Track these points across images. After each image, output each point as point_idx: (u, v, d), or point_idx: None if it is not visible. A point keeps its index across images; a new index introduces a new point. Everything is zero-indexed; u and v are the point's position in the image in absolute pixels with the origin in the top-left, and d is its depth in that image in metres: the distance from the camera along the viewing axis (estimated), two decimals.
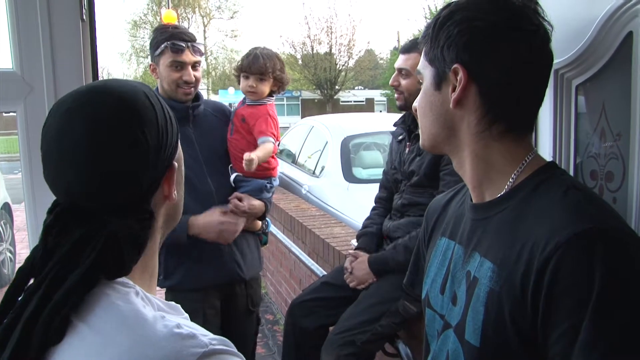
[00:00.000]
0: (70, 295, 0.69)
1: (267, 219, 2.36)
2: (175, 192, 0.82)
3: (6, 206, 5.82)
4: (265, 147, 2.13)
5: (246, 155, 2.02)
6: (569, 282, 0.79)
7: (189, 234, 2.05)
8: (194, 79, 2.08)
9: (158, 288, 2.01)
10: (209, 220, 2.08)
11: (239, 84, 2.28)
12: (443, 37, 0.94)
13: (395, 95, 2.30)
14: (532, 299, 0.83)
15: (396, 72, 2.28)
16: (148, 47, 2.23)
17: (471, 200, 1.02)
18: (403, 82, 2.24)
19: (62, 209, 0.75)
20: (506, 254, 0.88)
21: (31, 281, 0.73)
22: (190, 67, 2.06)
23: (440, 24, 0.95)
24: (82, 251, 0.71)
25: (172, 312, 0.78)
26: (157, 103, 0.79)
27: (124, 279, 0.75)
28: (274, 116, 2.22)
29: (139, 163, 0.74)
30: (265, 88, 2.20)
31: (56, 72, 1.26)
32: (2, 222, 5.59)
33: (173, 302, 0.84)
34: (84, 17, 1.29)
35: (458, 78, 0.92)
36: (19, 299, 0.71)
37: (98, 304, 0.71)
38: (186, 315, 0.83)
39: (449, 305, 1.02)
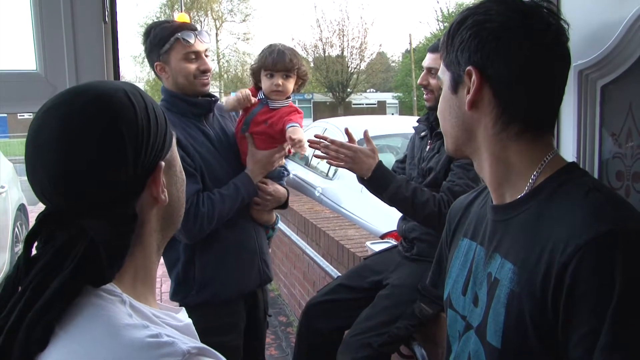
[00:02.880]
0: (51, 303, 0.68)
1: (276, 214, 2.31)
2: (166, 194, 0.79)
3: (22, 207, 5.89)
4: (298, 129, 2.01)
5: (295, 137, 1.92)
6: (589, 285, 0.79)
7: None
8: (210, 67, 2.02)
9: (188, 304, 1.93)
10: (262, 154, 2.06)
11: (255, 84, 2.12)
12: (457, 42, 0.96)
13: (425, 95, 2.26)
14: (553, 301, 0.83)
15: (425, 71, 2.24)
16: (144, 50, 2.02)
17: (492, 201, 1.02)
18: (432, 81, 2.19)
19: (45, 214, 0.73)
20: (527, 256, 0.88)
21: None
22: (203, 55, 1.99)
23: (454, 30, 0.97)
24: (65, 258, 0.70)
25: (164, 319, 0.76)
26: (140, 102, 0.76)
27: (111, 287, 0.73)
28: (300, 110, 2.12)
29: (112, 162, 0.71)
30: (291, 86, 2.07)
31: (79, 73, 1.27)
32: (18, 224, 5.65)
33: (171, 310, 0.82)
34: (106, 19, 1.30)
35: (472, 80, 0.94)
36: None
37: (81, 313, 0.69)
38: (187, 321, 0.81)
39: (470, 307, 1.02)
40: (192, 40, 1.93)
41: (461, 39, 0.95)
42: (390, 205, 2.18)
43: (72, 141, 0.70)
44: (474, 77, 0.93)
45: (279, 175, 2.19)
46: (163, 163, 0.79)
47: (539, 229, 0.89)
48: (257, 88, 2.13)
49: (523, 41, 0.91)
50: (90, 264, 0.70)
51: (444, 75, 1.02)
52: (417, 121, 2.45)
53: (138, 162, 0.74)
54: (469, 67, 0.94)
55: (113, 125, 0.72)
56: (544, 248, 0.85)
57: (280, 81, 2.03)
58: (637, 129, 1.09)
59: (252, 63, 2.17)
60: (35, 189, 0.73)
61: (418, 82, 2.30)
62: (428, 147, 2.29)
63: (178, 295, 2.01)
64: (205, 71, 1.99)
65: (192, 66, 1.96)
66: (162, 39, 1.93)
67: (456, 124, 1.00)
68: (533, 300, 0.85)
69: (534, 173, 0.94)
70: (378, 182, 2.08)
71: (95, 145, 0.71)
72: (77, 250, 0.70)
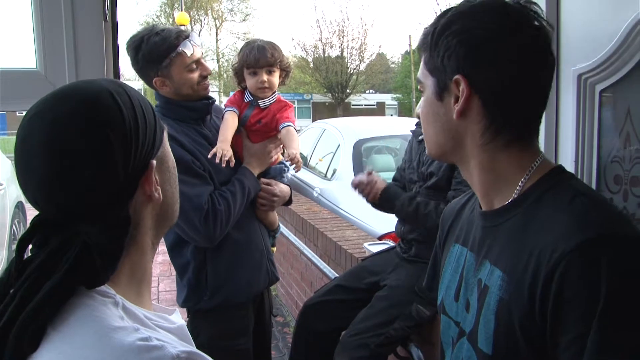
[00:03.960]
0: (43, 305, 0.68)
1: (279, 223, 2.30)
2: (160, 191, 0.79)
3: (20, 205, 5.88)
4: (292, 133, 2.02)
5: (291, 155, 1.92)
6: (575, 291, 0.79)
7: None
8: (210, 69, 1.99)
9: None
10: (257, 147, 2.06)
11: (239, 84, 2.10)
12: (442, 47, 0.92)
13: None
14: (540, 308, 0.82)
15: None
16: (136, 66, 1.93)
17: (480, 207, 1.01)
18: None
19: (39, 219, 0.73)
20: (515, 263, 0.88)
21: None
22: (202, 60, 1.96)
23: (438, 33, 0.93)
24: (59, 261, 0.70)
25: (156, 321, 0.76)
26: (127, 102, 0.75)
27: (104, 288, 0.73)
28: (289, 103, 2.09)
29: (101, 168, 0.71)
30: (276, 80, 2.04)
31: (79, 71, 1.27)
32: (15, 221, 5.65)
33: (164, 311, 0.82)
34: (107, 17, 1.30)
35: (460, 89, 0.91)
36: None
37: (74, 314, 0.69)
38: (181, 323, 0.81)
39: (463, 313, 1.01)
40: (191, 51, 1.89)
41: (447, 45, 0.91)
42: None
43: (58, 149, 0.69)
44: (462, 86, 0.90)
45: (280, 172, 2.17)
46: (155, 162, 0.78)
47: (526, 235, 0.88)
48: (242, 89, 2.11)
49: (513, 50, 0.89)
50: (83, 267, 0.70)
51: (427, 80, 0.98)
52: (416, 125, 2.45)
53: (128, 165, 0.73)
54: (457, 76, 0.90)
55: (99, 130, 0.71)
56: (531, 254, 0.85)
57: (264, 77, 2.00)
58: (635, 133, 1.09)
59: (233, 64, 2.14)
60: (27, 194, 0.73)
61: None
62: (427, 150, 2.28)
63: (190, 301, 1.98)
64: (206, 76, 1.97)
65: (195, 75, 1.92)
66: (159, 55, 1.86)
67: (441, 131, 0.98)
68: (521, 306, 0.85)
69: (522, 179, 0.93)
70: (386, 203, 2.28)
71: (82, 152, 0.70)
72: (71, 253, 0.70)
